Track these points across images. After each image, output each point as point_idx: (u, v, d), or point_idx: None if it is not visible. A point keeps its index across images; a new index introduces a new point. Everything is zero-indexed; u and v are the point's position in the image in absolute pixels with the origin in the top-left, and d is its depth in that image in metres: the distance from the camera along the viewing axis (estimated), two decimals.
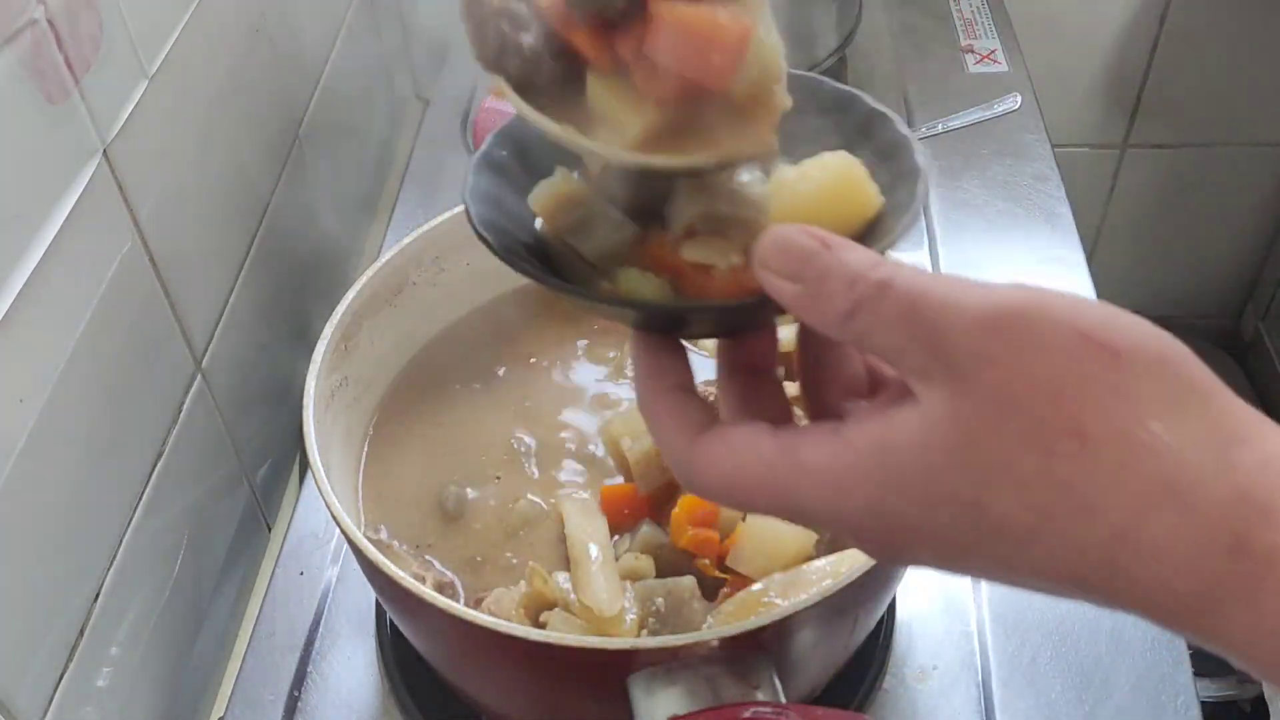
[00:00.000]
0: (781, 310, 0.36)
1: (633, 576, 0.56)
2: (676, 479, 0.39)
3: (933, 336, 0.32)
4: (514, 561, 0.60)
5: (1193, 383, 0.31)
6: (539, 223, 0.43)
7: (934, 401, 0.32)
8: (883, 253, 0.36)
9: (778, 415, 0.38)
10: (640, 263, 0.40)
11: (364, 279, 0.65)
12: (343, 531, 0.53)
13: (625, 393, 0.68)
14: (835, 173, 0.38)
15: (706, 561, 0.57)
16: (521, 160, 0.44)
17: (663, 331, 0.40)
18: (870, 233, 0.39)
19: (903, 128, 0.42)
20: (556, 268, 0.42)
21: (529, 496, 0.63)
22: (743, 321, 0.40)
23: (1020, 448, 0.31)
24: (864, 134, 0.43)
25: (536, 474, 0.64)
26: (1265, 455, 0.30)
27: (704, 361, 0.46)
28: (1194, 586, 0.30)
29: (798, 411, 0.41)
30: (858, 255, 0.34)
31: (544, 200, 0.42)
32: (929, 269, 0.74)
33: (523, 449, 0.65)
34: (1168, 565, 0.30)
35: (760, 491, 0.35)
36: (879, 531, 0.34)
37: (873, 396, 0.39)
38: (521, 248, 0.42)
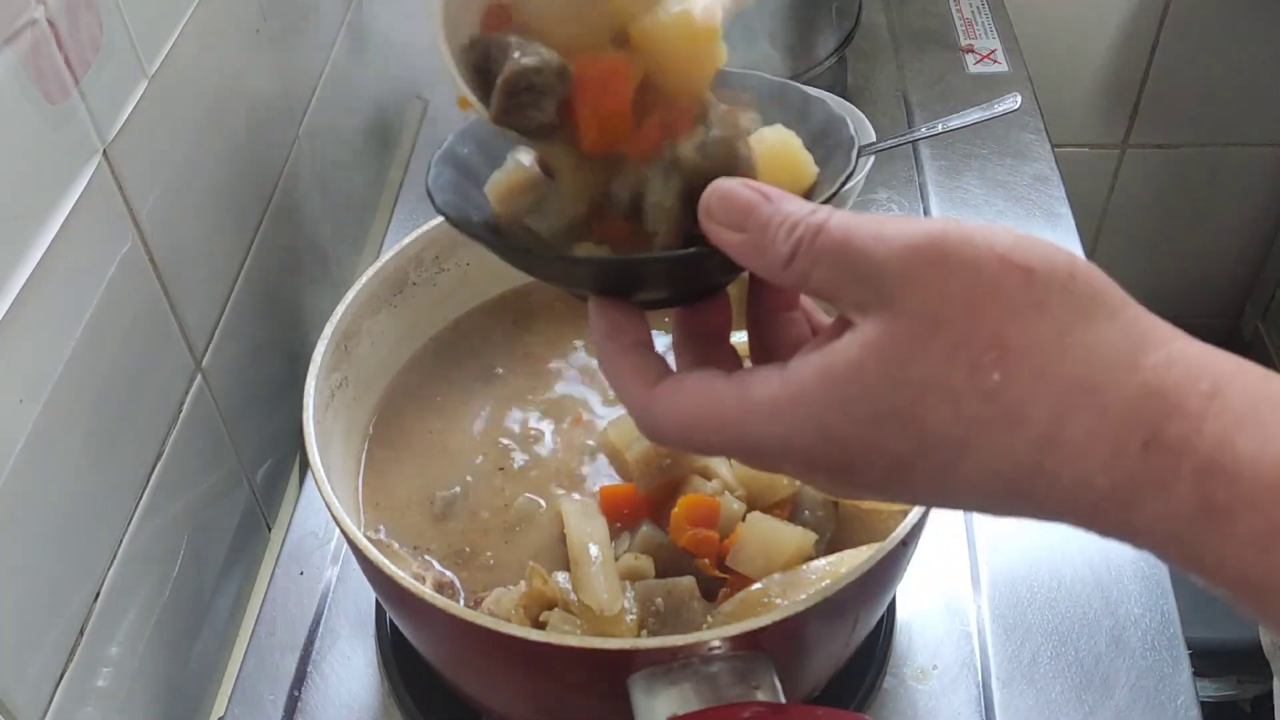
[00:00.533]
0: (728, 261, 0.38)
1: (633, 576, 0.56)
2: (637, 428, 0.41)
3: (864, 266, 0.34)
4: (513, 561, 0.60)
5: (1102, 295, 0.34)
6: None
7: (869, 326, 0.34)
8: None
9: (730, 369, 0.40)
10: (593, 238, 0.42)
11: (364, 279, 0.65)
12: (343, 531, 0.53)
13: None
14: (773, 145, 0.41)
15: (706, 561, 0.57)
16: (483, 157, 0.47)
17: (618, 293, 0.42)
18: (809, 198, 0.41)
19: (836, 110, 0.45)
20: None
21: (528, 496, 0.63)
22: (692, 274, 0.42)
23: (948, 361, 0.33)
24: (801, 116, 0.45)
25: (535, 473, 0.64)
26: (1170, 355, 0.33)
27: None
28: (1112, 482, 0.32)
29: None
30: (796, 204, 0.37)
31: (499, 186, 0.44)
32: None
33: (522, 448, 0.65)
34: (1088, 464, 0.32)
35: (715, 430, 0.38)
36: (827, 456, 0.36)
37: None
38: (482, 229, 0.44)
